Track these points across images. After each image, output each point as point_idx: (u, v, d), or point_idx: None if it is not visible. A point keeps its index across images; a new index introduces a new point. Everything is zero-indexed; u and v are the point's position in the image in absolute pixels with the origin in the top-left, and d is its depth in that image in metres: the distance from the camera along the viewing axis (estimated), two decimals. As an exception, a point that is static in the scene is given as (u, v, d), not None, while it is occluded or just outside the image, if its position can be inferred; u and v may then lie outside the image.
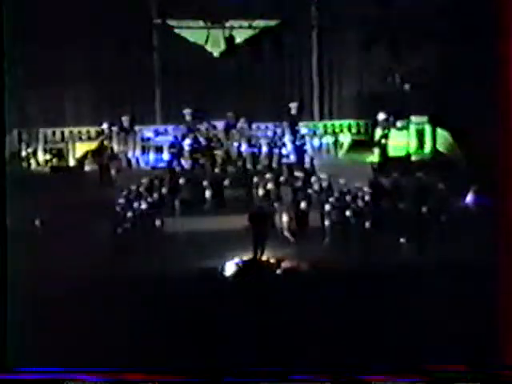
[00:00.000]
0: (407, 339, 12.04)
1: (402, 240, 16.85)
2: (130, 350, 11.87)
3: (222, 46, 21.17)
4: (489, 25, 16.38)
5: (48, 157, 20.47)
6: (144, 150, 20.72)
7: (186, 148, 19.91)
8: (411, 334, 12.19)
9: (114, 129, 20.36)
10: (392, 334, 12.20)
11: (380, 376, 10.98)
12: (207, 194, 18.38)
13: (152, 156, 20.61)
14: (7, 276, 11.35)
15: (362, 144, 21.10)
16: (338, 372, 10.98)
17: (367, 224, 17.00)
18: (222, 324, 12.57)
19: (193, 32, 21.09)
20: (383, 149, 20.39)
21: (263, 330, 12.48)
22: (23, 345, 11.29)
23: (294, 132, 20.53)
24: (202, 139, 20.17)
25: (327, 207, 17.33)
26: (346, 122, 21.61)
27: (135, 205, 17.27)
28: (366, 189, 17.55)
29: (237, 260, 15.86)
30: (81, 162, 20.16)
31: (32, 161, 20.28)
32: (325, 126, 21.61)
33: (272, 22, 21.09)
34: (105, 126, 20.39)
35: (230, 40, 21.10)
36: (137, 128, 20.70)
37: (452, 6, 19.22)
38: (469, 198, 17.86)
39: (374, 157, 20.34)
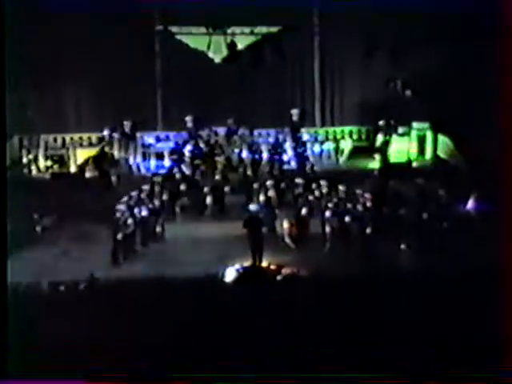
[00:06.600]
0: (407, 346, 12.01)
1: (402, 246, 16.83)
2: (130, 355, 11.84)
3: (224, 53, 21.17)
4: (490, 32, 16.45)
5: (49, 163, 20.45)
6: (145, 157, 20.72)
7: (187, 154, 19.88)
8: (411, 340, 12.17)
9: (115, 135, 20.32)
10: (392, 341, 12.16)
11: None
12: (208, 200, 18.32)
13: (153, 162, 20.61)
14: (7, 281, 11.32)
15: (363, 150, 21.09)
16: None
17: (368, 230, 16.94)
18: (223, 330, 12.54)
19: (195, 38, 21.10)
20: (384, 155, 20.39)
21: (263, 336, 12.45)
22: (24, 352, 11.26)
23: (296, 138, 20.50)
24: (203, 146, 20.14)
25: (328, 213, 17.26)
26: (347, 129, 21.61)
27: (136, 211, 17.22)
28: (366, 195, 17.45)
29: (237, 266, 15.82)
30: (82, 168, 20.14)
31: (33, 167, 20.26)
32: (326, 133, 21.62)
33: (274, 29, 21.09)
34: (106, 132, 20.35)
35: (231, 46, 21.10)
36: (138, 134, 20.68)
37: (453, 13, 19.22)
38: (470, 204, 17.84)
39: (375, 163, 20.33)
